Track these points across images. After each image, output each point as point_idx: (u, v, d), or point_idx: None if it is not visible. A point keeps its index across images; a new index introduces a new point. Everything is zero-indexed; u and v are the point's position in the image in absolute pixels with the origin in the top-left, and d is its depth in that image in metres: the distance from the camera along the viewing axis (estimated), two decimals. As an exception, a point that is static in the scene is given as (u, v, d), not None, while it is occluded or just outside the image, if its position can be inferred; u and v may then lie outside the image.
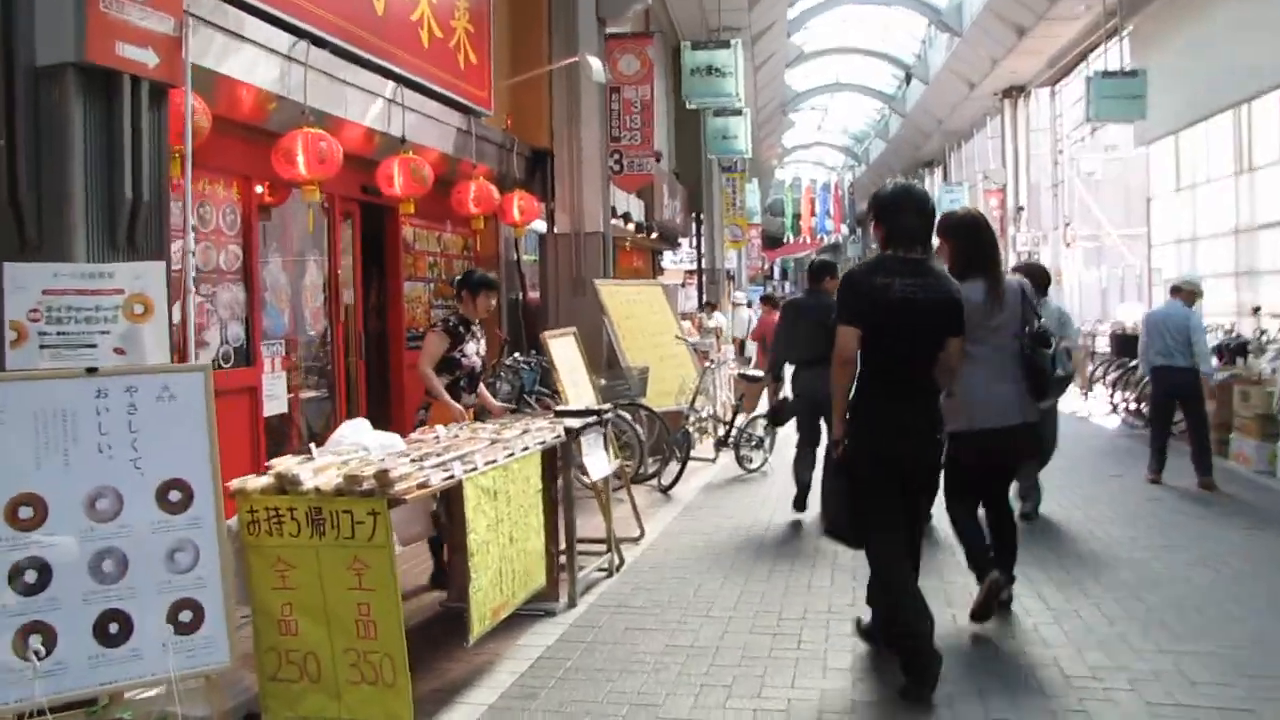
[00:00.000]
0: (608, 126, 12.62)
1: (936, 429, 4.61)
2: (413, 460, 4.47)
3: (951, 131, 35.38)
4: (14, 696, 3.51)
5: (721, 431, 10.62)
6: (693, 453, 10.00)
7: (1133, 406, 12.58)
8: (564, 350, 7.96)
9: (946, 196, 31.88)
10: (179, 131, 4.81)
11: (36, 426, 3.65)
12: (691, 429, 10.16)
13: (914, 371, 4.56)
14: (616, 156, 13.12)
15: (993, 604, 5.27)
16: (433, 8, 8.37)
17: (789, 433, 9.46)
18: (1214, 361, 10.59)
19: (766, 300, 15.53)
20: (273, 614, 4.07)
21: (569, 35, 11.18)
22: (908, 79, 36.04)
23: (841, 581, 5.97)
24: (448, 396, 6.27)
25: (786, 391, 8.27)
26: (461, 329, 6.40)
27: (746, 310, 21.16)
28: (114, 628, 3.69)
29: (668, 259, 23.30)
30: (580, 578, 5.93)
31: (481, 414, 6.68)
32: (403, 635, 3.94)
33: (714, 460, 10.62)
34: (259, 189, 7.09)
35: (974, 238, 5.27)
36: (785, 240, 52.74)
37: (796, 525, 7.71)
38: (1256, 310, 14.12)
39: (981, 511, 5.50)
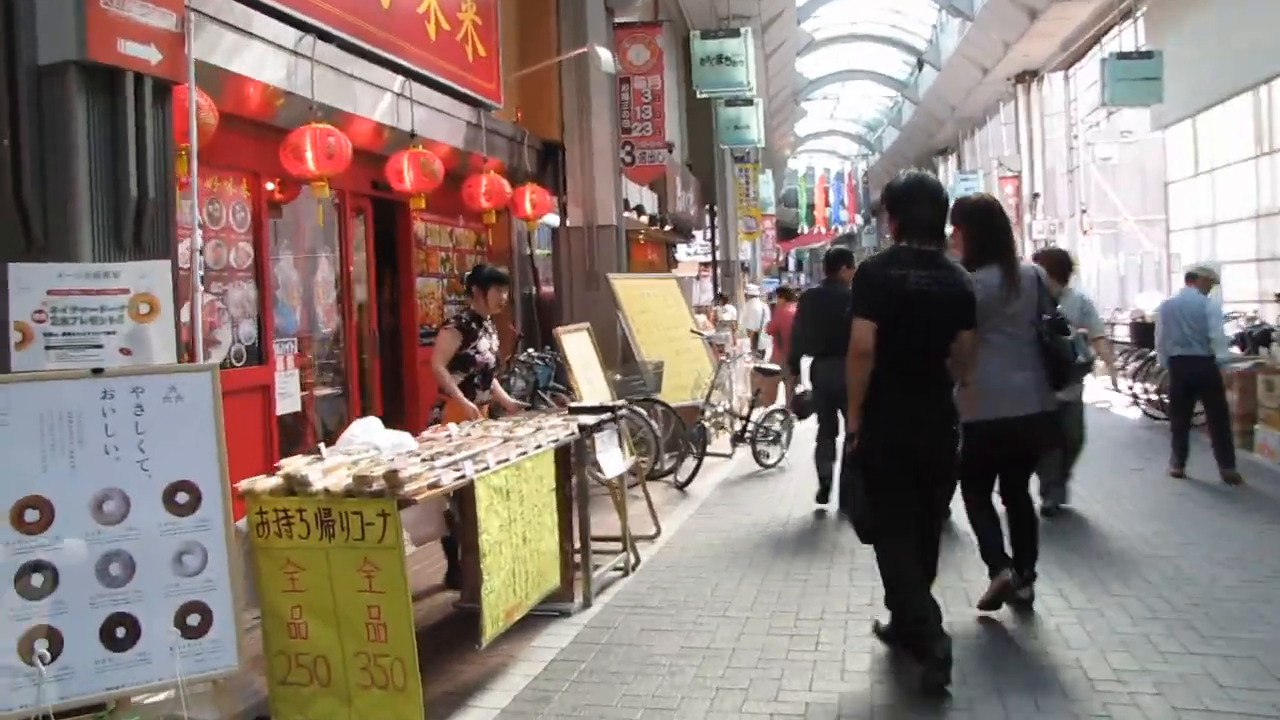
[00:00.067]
0: (618, 118, 12.55)
1: (952, 421, 4.59)
2: (424, 460, 4.41)
3: (965, 118, 35.21)
4: (21, 701, 3.47)
5: (738, 426, 10.53)
6: (709, 448, 9.91)
7: (1153, 397, 12.42)
8: (577, 346, 7.88)
9: (961, 184, 31.70)
10: (185, 129, 4.75)
11: (42, 428, 3.60)
12: (707, 424, 10.08)
13: (928, 364, 4.55)
14: (628, 148, 13.05)
15: (1001, 600, 5.24)
16: (439, 0, 8.29)
17: (804, 428, 9.40)
18: (1235, 350, 10.49)
19: (782, 293, 15.42)
20: (282, 617, 4.02)
21: (577, 25, 11.11)
22: (920, 65, 35.88)
23: (860, 581, 5.88)
24: (461, 395, 6.20)
25: (806, 385, 8.19)
26: (474, 325, 6.33)
27: (760, 303, 21.04)
28: (121, 631, 3.64)
29: (682, 251, 23.21)
30: (595, 577, 5.87)
31: (496, 411, 6.62)
32: (413, 638, 3.88)
33: (730, 456, 10.54)
34: (269, 186, 7.04)
35: (988, 223, 5.23)
36: (800, 231, 52.58)
37: (814, 521, 7.63)
38: (1279, 297, 13.94)
39: (1003, 508, 5.44)
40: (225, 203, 6.54)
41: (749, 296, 21.39)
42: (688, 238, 22.27)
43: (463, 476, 4.32)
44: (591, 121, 11.42)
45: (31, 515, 3.53)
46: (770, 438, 10.14)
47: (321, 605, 3.97)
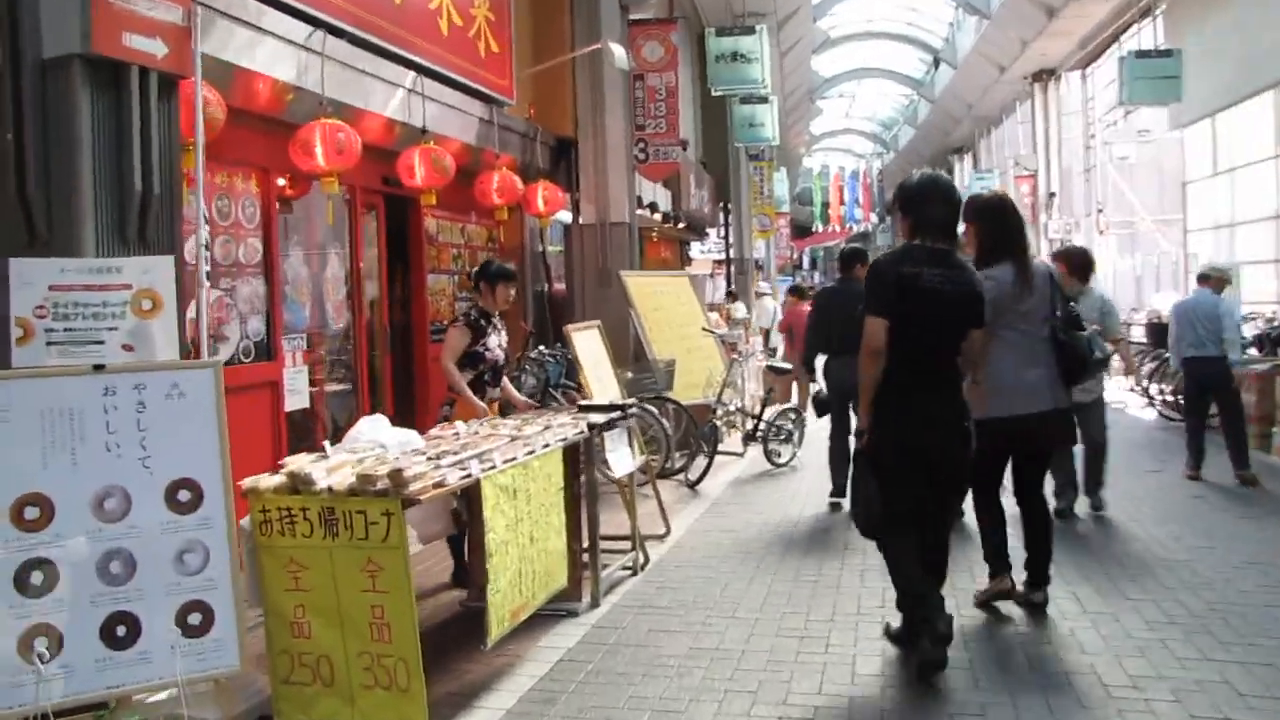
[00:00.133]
0: (632, 115, 12.48)
1: (963, 419, 4.59)
2: (429, 458, 4.36)
3: (981, 117, 35.02)
4: (20, 700, 3.44)
5: (750, 425, 10.46)
6: (720, 447, 9.85)
7: (1169, 398, 12.31)
8: (588, 343, 7.83)
9: (977, 183, 31.55)
10: (191, 123, 4.71)
11: (43, 425, 3.57)
12: (719, 423, 10.01)
13: (940, 362, 4.57)
14: (641, 145, 12.98)
15: (994, 601, 5.27)
16: (453, -4, 8.25)
17: (816, 427, 9.34)
18: (1254, 351, 10.37)
19: (794, 291, 15.34)
20: (285, 616, 3.98)
21: (591, 21, 11.05)
22: (936, 64, 35.70)
23: (871, 582, 5.81)
24: (470, 393, 6.15)
25: (821, 385, 8.13)
26: (483, 322, 6.28)
27: (771, 301, 20.95)
28: (122, 630, 3.62)
29: (696, 249, 23.13)
30: (604, 576, 5.81)
31: (506, 408, 6.57)
32: (417, 639, 3.83)
33: (742, 455, 10.46)
34: (280, 181, 7.02)
35: (1000, 221, 5.23)
36: (814, 229, 52.41)
37: (826, 520, 7.57)
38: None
39: (1016, 510, 5.39)
40: (234, 198, 6.51)
41: (760, 294, 21.27)
42: (702, 235, 22.18)
43: (468, 475, 4.27)
44: (605, 118, 11.35)
45: (31, 513, 3.51)
46: (782, 436, 10.07)
47: (325, 605, 3.93)
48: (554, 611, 5.32)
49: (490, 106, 9.15)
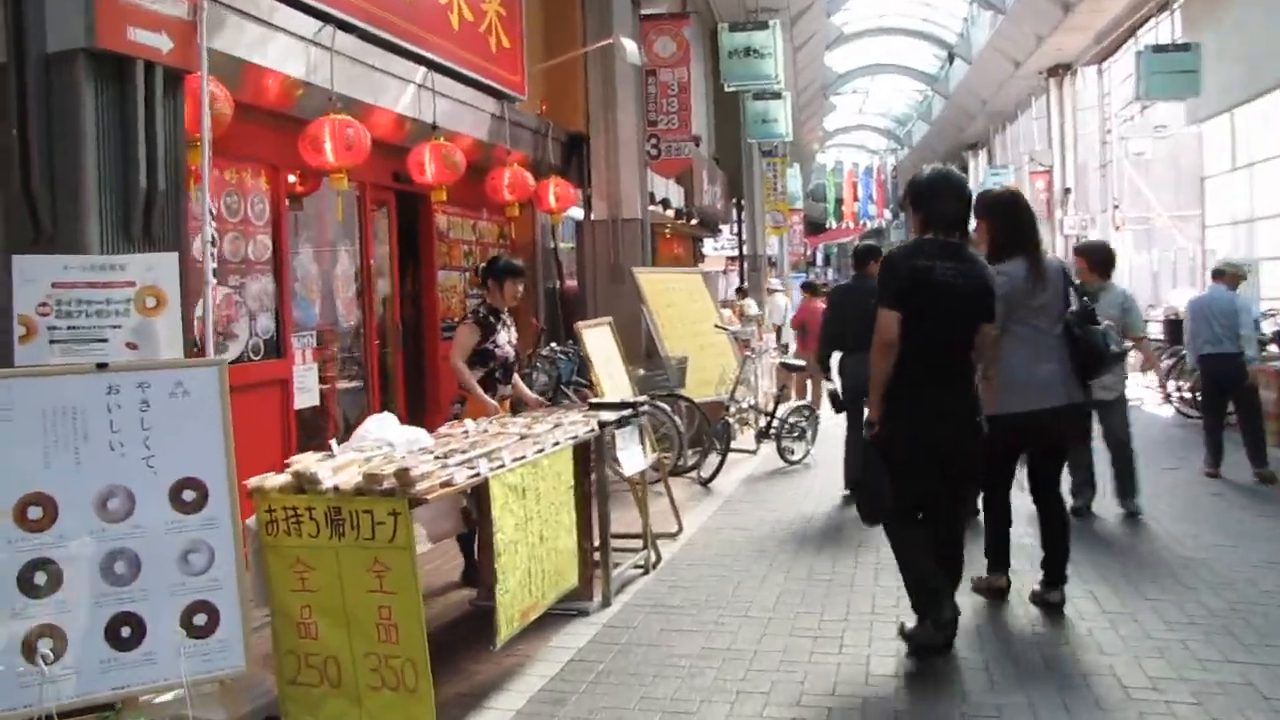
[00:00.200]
0: (644, 110, 12.40)
1: (975, 413, 4.61)
2: (437, 457, 4.31)
3: (996, 112, 34.81)
4: (24, 701, 3.40)
5: (763, 422, 10.39)
6: (733, 444, 9.78)
7: (1186, 395, 12.20)
8: (599, 341, 7.78)
9: (992, 179, 31.36)
10: (197, 119, 4.67)
11: (46, 424, 3.53)
12: (732, 420, 9.95)
13: (953, 355, 4.58)
14: (654, 141, 12.90)
15: (989, 594, 5.32)
16: (463, -10, 8.20)
17: (829, 425, 9.26)
18: (1274, 348, 10.24)
19: (808, 287, 15.26)
20: (292, 616, 3.93)
21: (603, 17, 10.97)
22: (950, 59, 35.54)
23: (886, 581, 5.73)
24: (481, 391, 6.09)
25: (836, 383, 8.06)
26: (492, 319, 6.21)
27: (782, 297, 20.81)
28: (126, 631, 3.57)
29: (709, 246, 23.02)
30: (615, 575, 5.76)
31: (518, 405, 6.52)
32: (424, 639, 3.78)
33: (755, 452, 10.40)
34: (291, 178, 6.98)
35: (1012, 216, 5.23)
36: (828, 226, 52.30)
37: (840, 518, 7.48)
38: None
39: (1033, 509, 5.34)
40: (244, 194, 6.47)
41: (771, 291, 21.13)
42: (714, 232, 22.08)
43: (477, 474, 4.22)
44: (617, 114, 11.29)
45: (34, 512, 3.47)
46: (795, 434, 10.01)
47: (331, 605, 3.88)
48: (565, 611, 5.27)
49: (501, 102, 9.10)
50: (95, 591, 3.54)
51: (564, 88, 11.25)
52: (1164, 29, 18.74)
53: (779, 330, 18.66)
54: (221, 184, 6.22)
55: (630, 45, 10.32)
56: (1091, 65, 26.03)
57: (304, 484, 3.90)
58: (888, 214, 54.00)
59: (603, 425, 5.62)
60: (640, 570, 6.16)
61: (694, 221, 17.70)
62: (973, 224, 4.93)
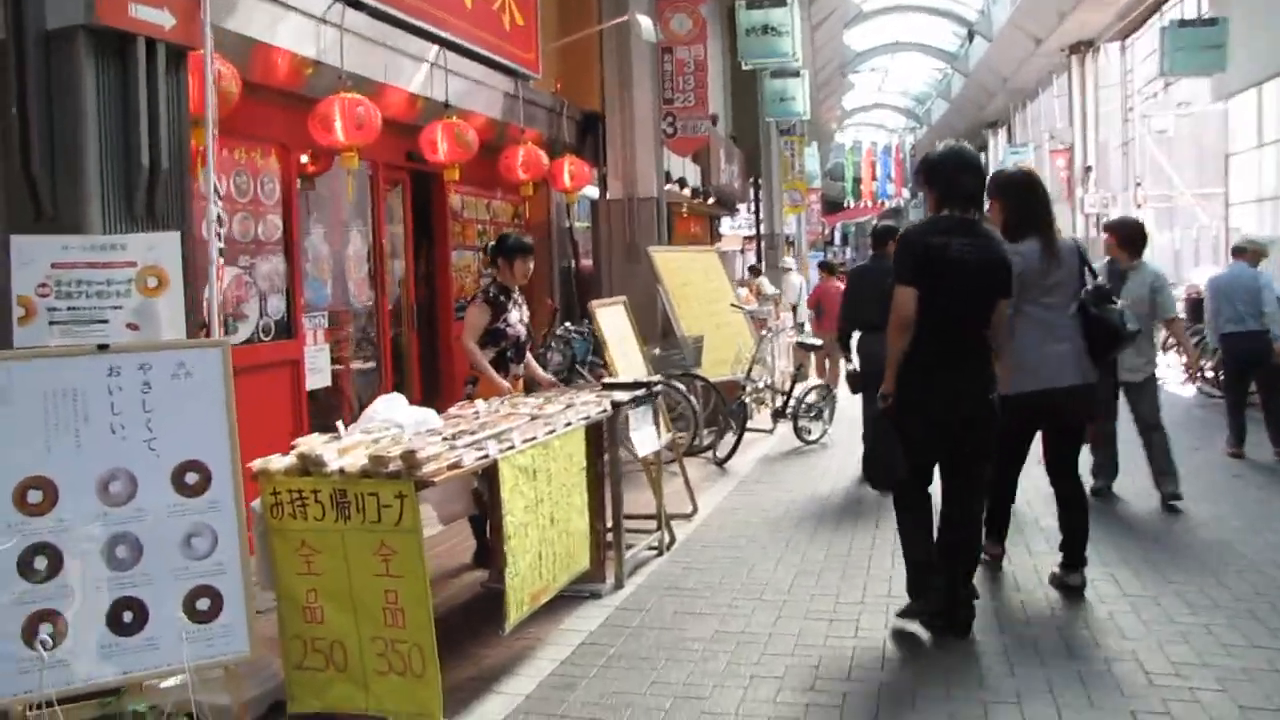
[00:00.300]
0: (660, 88, 12.27)
1: (989, 392, 4.58)
2: (445, 439, 4.25)
3: (1016, 90, 34.47)
4: (25, 687, 3.36)
5: (779, 402, 10.30)
6: (749, 424, 9.70)
7: (1208, 374, 12.04)
8: (613, 320, 7.70)
9: (1012, 157, 31.08)
10: (202, 97, 4.59)
11: (46, 407, 3.47)
12: (748, 399, 9.86)
13: (967, 332, 4.56)
14: (670, 119, 12.76)
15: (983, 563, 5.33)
16: (476, -33, 8.08)
17: (846, 405, 9.16)
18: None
19: (825, 267, 15.12)
20: (298, 600, 3.88)
21: (618, -7, 10.85)
22: (970, 36, 35.18)
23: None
24: (493, 372, 6.01)
25: (855, 364, 7.96)
26: (502, 298, 6.12)
27: (796, 276, 20.63)
28: (128, 616, 3.51)
29: (726, 225, 22.92)
30: (629, 556, 5.70)
31: (531, 385, 6.45)
32: (431, 624, 3.72)
33: (771, 431, 10.31)
34: (304, 158, 6.92)
35: (1026, 196, 5.17)
36: (845, 205, 51.98)
37: (856, 499, 7.36)
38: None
39: (1051, 490, 5.27)
40: (253, 174, 6.41)
41: (785, 269, 20.95)
42: (731, 211, 21.96)
43: (486, 456, 4.15)
44: (633, 92, 11.19)
45: (34, 496, 3.40)
46: (812, 413, 9.91)
47: (337, 589, 3.83)
48: (577, 593, 5.21)
49: (515, 80, 9.00)
50: (96, 576, 3.47)
51: (579, 66, 11.14)
52: (1189, 3, 18.44)
53: (795, 309, 18.53)
54: (231, 163, 6.16)
55: (646, 22, 10.19)
56: (1114, 41, 25.70)
57: (309, 466, 3.85)
58: (906, 193, 53.58)
59: (616, 405, 5.54)
60: (654, 551, 6.10)
61: (711, 200, 17.60)
62: (986, 205, 4.86)
